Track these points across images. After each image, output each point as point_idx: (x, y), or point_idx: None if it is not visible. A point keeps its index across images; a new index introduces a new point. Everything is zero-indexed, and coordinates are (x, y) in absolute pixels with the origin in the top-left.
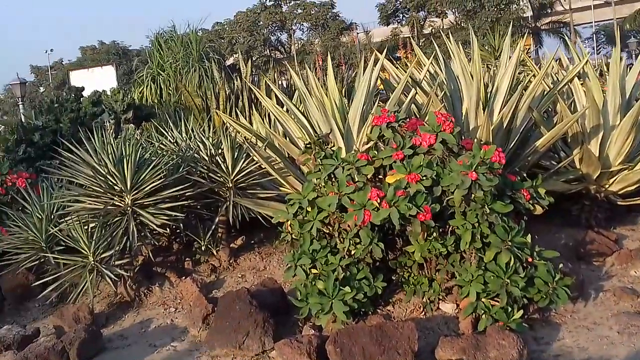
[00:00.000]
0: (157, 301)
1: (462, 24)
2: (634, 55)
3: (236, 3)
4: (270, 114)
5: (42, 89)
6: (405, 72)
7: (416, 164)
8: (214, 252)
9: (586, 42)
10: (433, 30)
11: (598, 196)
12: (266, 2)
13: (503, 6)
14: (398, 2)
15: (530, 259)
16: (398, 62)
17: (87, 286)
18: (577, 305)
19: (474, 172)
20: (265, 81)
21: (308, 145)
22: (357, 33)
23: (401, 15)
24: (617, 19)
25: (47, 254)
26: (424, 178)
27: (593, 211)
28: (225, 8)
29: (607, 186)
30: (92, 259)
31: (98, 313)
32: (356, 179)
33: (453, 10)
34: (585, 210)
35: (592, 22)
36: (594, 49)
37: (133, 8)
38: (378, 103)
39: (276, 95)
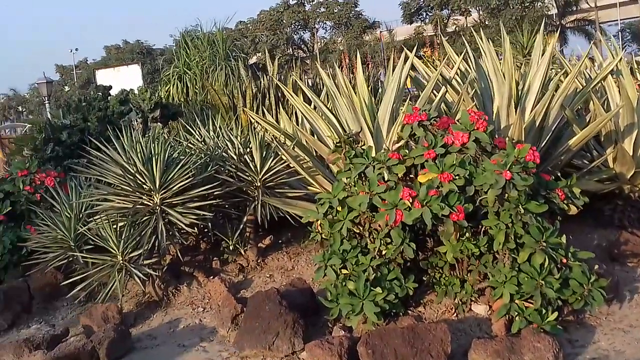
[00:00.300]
0: (185, 301)
1: (486, 22)
2: None
3: (260, 2)
4: (298, 112)
5: (67, 88)
6: (433, 70)
7: (449, 163)
8: (242, 251)
9: (611, 39)
10: (457, 28)
11: (632, 196)
12: (289, 1)
13: (528, 4)
14: (422, 0)
15: (564, 260)
16: (422, 60)
17: (115, 285)
18: (612, 308)
19: (508, 172)
20: (293, 79)
21: (338, 144)
22: (381, 31)
23: (424, 14)
24: None
25: (75, 253)
26: (457, 177)
27: (626, 211)
28: (249, 7)
29: None
30: (121, 258)
31: (126, 312)
32: (387, 178)
33: (477, 8)
34: (618, 211)
35: (617, 20)
36: (619, 46)
37: (156, 8)
38: (408, 102)
39: (304, 94)
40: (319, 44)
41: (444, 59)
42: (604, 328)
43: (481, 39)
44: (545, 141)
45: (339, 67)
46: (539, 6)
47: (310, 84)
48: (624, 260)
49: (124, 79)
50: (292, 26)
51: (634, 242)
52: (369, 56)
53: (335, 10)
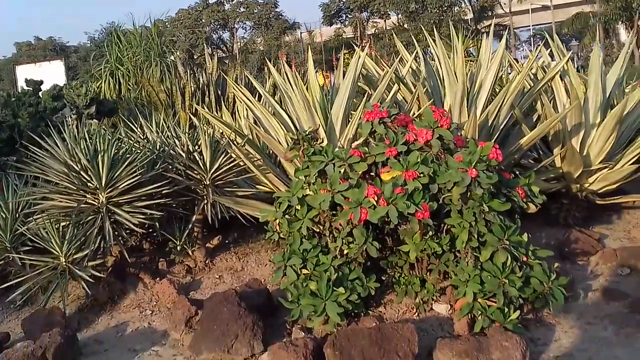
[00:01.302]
0: (131, 304)
1: (405, 25)
2: (576, 57)
3: (177, 1)
4: (241, 110)
5: None
6: (383, 68)
7: (413, 160)
8: (190, 252)
9: (524, 44)
10: (376, 30)
11: (579, 195)
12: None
13: (445, 8)
14: (341, 2)
15: (525, 259)
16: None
17: (57, 288)
18: (568, 305)
19: (473, 169)
20: (243, 77)
21: (296, 141)
22: (301, 32)
23: (344, 16)
24: (555, 22)
25: (12, 255)
26: (421, 175)
27: (572, 210)
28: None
29: (587, 185)
30: (64, 260)
31: (69, 316)
32: (350, 176)
33: (396, 12)
34: (564, 209)
35: (530, 26)
36: (531, 51)
37: (70, 4)
38: (365, 99)
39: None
40: (239, 44)
41: (375, 59)
42: (564, 326)
43: (434, 40)
44: (495, 139)
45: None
46: (456, 10)
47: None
48: (575, 258)
49: (46, 74)
50: (212, 25)
51: (583, 240)
52: (292, 56)
53: (255, 11)
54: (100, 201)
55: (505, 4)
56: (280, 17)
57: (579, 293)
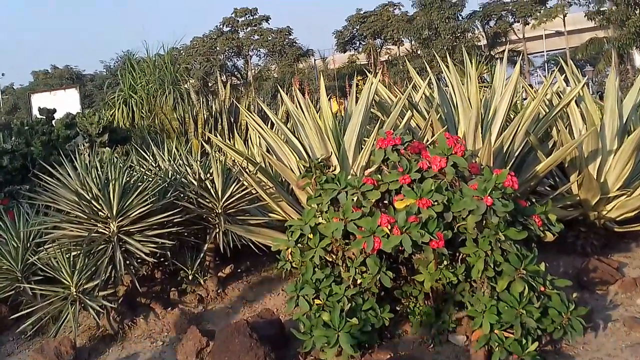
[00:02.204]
0: (142, 334)
1: (418, 52)
2: (590, 82)
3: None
4: (253, 137)
5: None
6: (397, 94)
7: (426, 188)
8: (201, 281)
9: (537, 70)
10: (389, 57)
11: (597, 223)
12: (223, 28)
13: (458, 34)
14: (355, 29)
15: (543, 288)
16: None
17: (68, 318)
18: (587, 336)
19: (489, 197)
20: (256, 105)
21: (308, 169)
22: (315, 59)
23: (358, 43)
24: (569, 47)
25: (23, 285)
26: (435, 203)
27: (589, 238)
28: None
29: (605, 212)
30: (75, 290)
31: (80, 347)
32: (363, 204)
33: (409, 38)
34: (581, 237)
35: (543, 52)
36: (545, 77)
37: (85, 33)
38: (378, 126)
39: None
40: (253, 71)
41: (387, 85)
42: (583, 357)
43: (447, 66)
44: (510, 166)
45: (288, 94)
46: (469, 37)
47: (260, 109)
48: (593, 287)
49: (62, 103)
50: (226, 53)
51: (602, 269)
52: (306, 83)
53: (269, 38)
54: (112, 230)
55: (518, 30)
56: (294, 44)
57: (599, 323)
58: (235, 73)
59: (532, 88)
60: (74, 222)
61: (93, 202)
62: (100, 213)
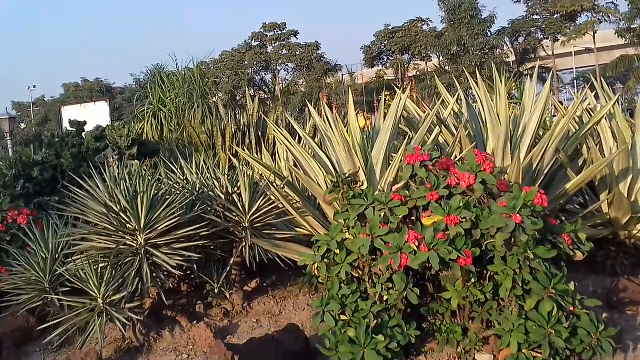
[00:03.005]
0: (167, 347)
1: (446, 68)
2: (620, 100)
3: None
4: (281, 151)
5: (23, 125)
6: (425, 110)
7: (455, 205)
8: (227, 295)
9: (567, 87)
10: (417, 72)
11: (627, 242)
12: (251, 42)
13: (487, 51)
14: (383, 45)
15: (572, 308)
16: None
17: (95, 330)
18: (617, 357)
19: (518, 215)
20: (284, 119)
21: (336, 184)
22: (342, 74)
23: (385, 58)
24: (599, 65)
25: (51, 295)
26: (464, 220)
27: (619, 258)
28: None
29: (635, 232)
30: (102, 302)
31: (106, 359)
32: (390, 220)
33: (437, 54)
34: (611, 257)
35: (573, 68)
36: (574, 94)
37: (116, 46)
38: (406, 142)
39: (289, 132)
40: (281, 85)
41: (416, 101)
42: None
43: (476, 82)
44: (539, 184)
45: (316, 109)
46: (498, 53)
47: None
48: (623, 308)
49: (91, 115)
50: (254, 67)
51: (632, 289)
52: (334, 98)
53: (297, 53)
54: (139, 243)
55: (548, 46)
56: (322, 59)
57: (628, 345)
58: (263, 87)
59: (562, 105)
60: (102, 234)
61: (121, 214)
62: (128, 225)
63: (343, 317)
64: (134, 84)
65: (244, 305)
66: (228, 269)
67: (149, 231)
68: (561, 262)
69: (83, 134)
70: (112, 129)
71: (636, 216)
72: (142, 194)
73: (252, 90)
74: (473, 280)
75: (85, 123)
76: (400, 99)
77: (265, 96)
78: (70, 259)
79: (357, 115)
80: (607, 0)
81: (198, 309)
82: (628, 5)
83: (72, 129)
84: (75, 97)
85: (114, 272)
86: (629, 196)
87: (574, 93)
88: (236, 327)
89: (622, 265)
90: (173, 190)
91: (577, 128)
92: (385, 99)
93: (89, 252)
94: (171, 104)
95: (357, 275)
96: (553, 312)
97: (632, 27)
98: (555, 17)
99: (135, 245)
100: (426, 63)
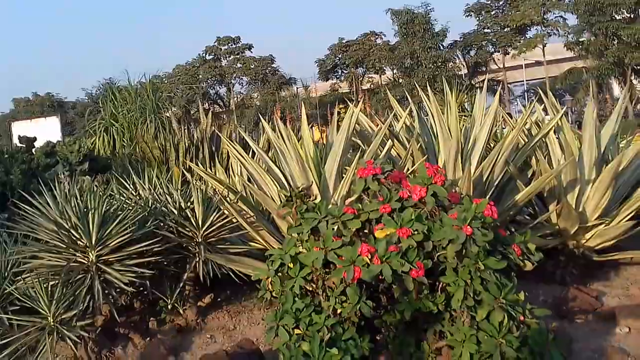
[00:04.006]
0: None
1: (400, 80)
2: (570, 112)
3: (174, 58)
4: (234, 165)
5: None
6: (378, 124)
7: (407, 217)
8: (181, 311)
9: (517, 99)
10: (372, 85)
11: (576, 252)
12: (206, 56)
13: (440, 64)
14: (337, 58)
15: (522, 318)
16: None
17: (45, 349)
18: None
19: (468, 227)
20: (236, 133)
21: (289, 198)
22: (297, 88)
23: (340, 71)
24: (548, 77)
25: (0, 315)
26: (415, 232)
27: (569, 267)
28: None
29: (584, 241)
30: (52, 320)
31: None
32: (344, 234)
33: (391, 67)
34: (561, 266)
35: (523, 81)
36: (524, 106)
37: (66, 60)
38: (358, 155)
39: (243, 146)
40: (236, 99)
41: (369, 114)
42: None
43: (428, 97)
44: (490, 195)
45: (269, 122)
46: (450, 66)
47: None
48: (572, 317)
49: (42, 131)
50: (208, 81)
51: (581, 298)
52: (288, 111)
53: (252, 66)
54: (90, 260)
55: (499, 59)
56: (276, 72)
57: (578, 353)
58: (218, 101)
59: (512, 117)
60: (53, 251)
61: (72, 231)
62: (79, 242)
63: (297, 331)
64: (86, 98)
65: (198, 321)
66: (181, 284)
67: (100, 248)
68: (511, 272)
69: (33, 150)
70: (63, 144)
71: (584, 226)
72: (93, 211)
73: (207, 104)
74: (425, 291)
75: (35, 139)
76: (353, 113)
77: (220, 110)
78: (20, 277)
79: (312, 128)
80: (555, 14)
81: (151, 325)
82: (576, 18)
83: (21, 145)
84: (26, 112)
85: (64, 290)
86: (577, 206)
87: (524, 105)
88: (190, 343)
89: (571, 274)
90: (125, 206)
91: (526, 140)
92: (339, 112)
93: (39, 269)
94: (123, 119)
95: (310, 289)
96: (504, 322)
97: (580, 40)
98: (505, 30)
99: (86, 262)
100: (380, 76)
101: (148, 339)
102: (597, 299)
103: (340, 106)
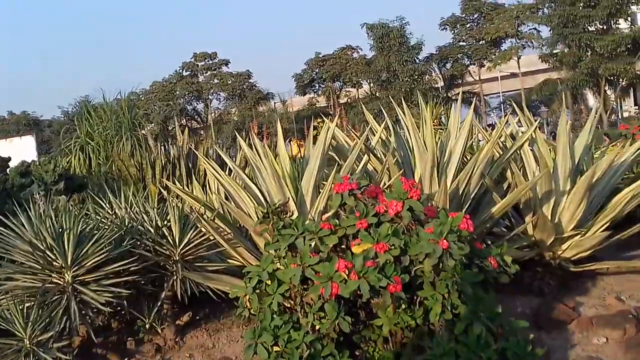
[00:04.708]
0: None
1: (377, 94)
2: (545, 123)
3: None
4: (211, 182)
5: None
6: (353, 139)
7: (383, 232)
8: (159, 330)
9: (494, 111)
10: (349, 100)
11: (552, 263)
12: (182, 72)
13: (416, 77)
14: (314, 72)
15: (500, 330)
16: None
17: None
18: None
19: (444, 240)
20: (212, 150)
21: (266, 215)
22: (275, 102)
23: (317, 85)
24: (524, 89)
25: None
26: (392, 247)
27: (545, 278)
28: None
29: (560, 252)
30: (29, 342)
31: None
32: (321, 250)
33: (368, 81)
34: (538, 278)
35: (499, 93)
36: (500, 118)
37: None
38: (335, 171)
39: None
40: (213, 114)
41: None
42: None
43: (403, 112)
44: (466, 208)
45: (245, 138)
46: (427, 79)
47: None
48: (550, 328)
49: (18, 150)
50: (186, 97)
51: (558, 309)
52: (265, 126)
53: (229, 82)
54: (66, 280)
55: (474, 72)
56: (253, 87)
57: None
58: (196, 117)
59: (489, 129)
60: (28, 272)
61: (47, 252)
62: (54, 263)
63: (276, 349)
64: (62, 116)
65: (177, 340)
66: (159, 303)
67: (76, 268)
68: (489, 285)
69: (7, 170)
70: (38, 164)
71: (560, 237)
72: (68, 231)
73: (184, 120)
74: (403, 306)
75: (9, 159)
76: (329, 128)
77: (198, 126)
78: None
79: (290, 143)
80: (529, 26)
81: (129, 345)
82: (550, 31)
83: None
84: (2, 131)
85: (40, 311)
86: (553, 218)
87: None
88: None
89: (548, 285)
90: (101, 225)
91: (501, 153)
92: (315, 126)
93: (14, 291)
94: (99, 137)
95: (289, 306)
96: (482, 335)
97: (554, 52)
98: (480, 43)
99: (62, 283)
100: (357, 90)
101: (126, 359)
102: (574, 310)
103: (318, 120)
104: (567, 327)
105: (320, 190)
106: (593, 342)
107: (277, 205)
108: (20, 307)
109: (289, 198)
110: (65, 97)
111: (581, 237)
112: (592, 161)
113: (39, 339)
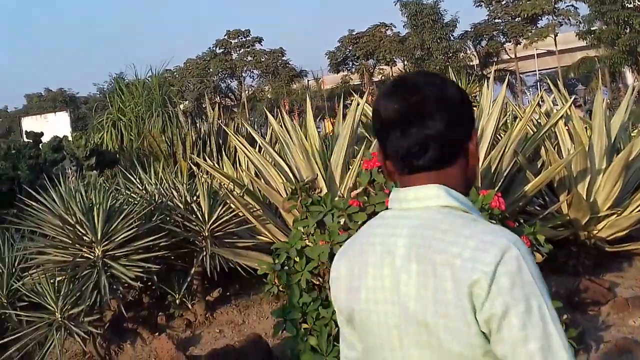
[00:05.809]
0: None
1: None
2: (583, 102)
3: (186, 52)
4: (241, 159)
5: None
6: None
7: None
8: (189, 305)
9: (530, 89)
10: (382, 77)
11: (587, 242)
12: (216, 49)
13: (451, 54)
14: (347, 50)
15: None
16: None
17: (54, 345)
18: (579, 358)
19: None
20: (243, 127)
21: (294, 192)
22: (308, 80)
23: (350, 63)
24: (561, 67)
25: (8, 311)
26: None
27: (580, 258)
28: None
29: (595, 232)
30: (60, 316)
31: None
32: (350, 227)
33: (402, 59)
34: (573, 257)
35: (535, 71)
36: (531, 98)
37: (78, 55)
38: (364, 147)
39: (247, 140)
40: (247, 92)
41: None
42: None
43: None
44: (498, 187)
45: (277, 115)
46: (462, 56)
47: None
48: (585, 308)
49: (52, 126)
50: (219, 74)
51: (594, 289)
52: (297, 105)
53: (262, 59)
54: (96, 255)
55: (510, 49)
56: (287, 65)
57: (590, 345)
58: (229, 94)
59: (523, 107)
60: (59, 246)
61: (77, 226)
62: (84, 238)
63: (304, 326)
64: (98, 93)
65: (207, 316)
66: (189, 279)
67: (106, 243)
68: None
69: (40, 146)
70: (70, 139)
71: (595, 216)
72: (98, 206)
73: (218, 98)
74: None
75: (42, 134)
76: (359, 104)
77: (232, 103)
78: (27, 273)
79: (323, 120)
80: (566, 3)
81: (160, 320)
82: (587, 7)
83: (28, 140)
84: (39, 108)
85: (71, 285)
86: (588, 197)
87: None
88: (199, 338)
89: (583, 265)
90: (131, 200)
91: (535, 130)
92: (345, 104)
93: (46, 265)
94: (131, 113)
95: (317, 283)
96: None
97: (592, 29)
98: (516, 20)
99: (92, 257)
100: (391, 68)
101: (157, 333)
102: (609, 290)
103: (351, 98)
104: (602, 308)
105: (350, 167)
106: (629, 324)
107: (305, 182)
108: (52, 281)
109: (317, 175)
110: (102, 74)
111: (617, 216)
112: (629, 139)
113: (70, 312)
